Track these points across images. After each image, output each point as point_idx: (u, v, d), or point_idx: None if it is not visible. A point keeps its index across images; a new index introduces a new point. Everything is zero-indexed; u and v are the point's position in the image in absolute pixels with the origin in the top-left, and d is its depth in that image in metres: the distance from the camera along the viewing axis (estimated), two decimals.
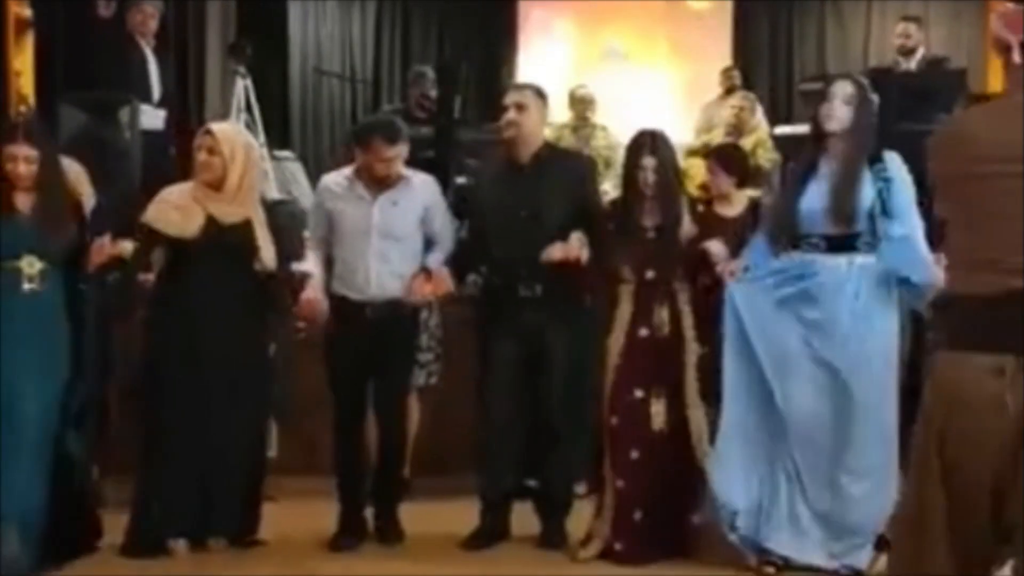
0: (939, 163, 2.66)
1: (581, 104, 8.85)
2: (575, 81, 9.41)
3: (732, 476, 4.53)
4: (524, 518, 5.04)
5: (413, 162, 5.63)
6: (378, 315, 4.91)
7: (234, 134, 5.08)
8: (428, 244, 5.06)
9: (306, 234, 5.34)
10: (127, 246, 4.74)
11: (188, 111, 8.81)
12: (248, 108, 7.91)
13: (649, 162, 4.76)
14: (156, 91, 7.69)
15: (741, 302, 4.54)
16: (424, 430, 5.64)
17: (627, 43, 11.40)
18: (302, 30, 10.74)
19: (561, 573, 4.70)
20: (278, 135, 9.20)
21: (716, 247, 4.71)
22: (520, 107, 4.91)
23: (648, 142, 4.82)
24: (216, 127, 5.04)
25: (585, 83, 9.25)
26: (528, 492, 5.18)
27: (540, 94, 5.04)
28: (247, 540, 4.91)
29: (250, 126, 7.84)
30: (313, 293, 4.94)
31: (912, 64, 7.97)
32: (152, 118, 7.43)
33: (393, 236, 4.94)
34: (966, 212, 2.57)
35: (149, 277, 5.03)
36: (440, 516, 5.20)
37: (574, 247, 4.72)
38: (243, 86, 7.94)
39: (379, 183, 4.96)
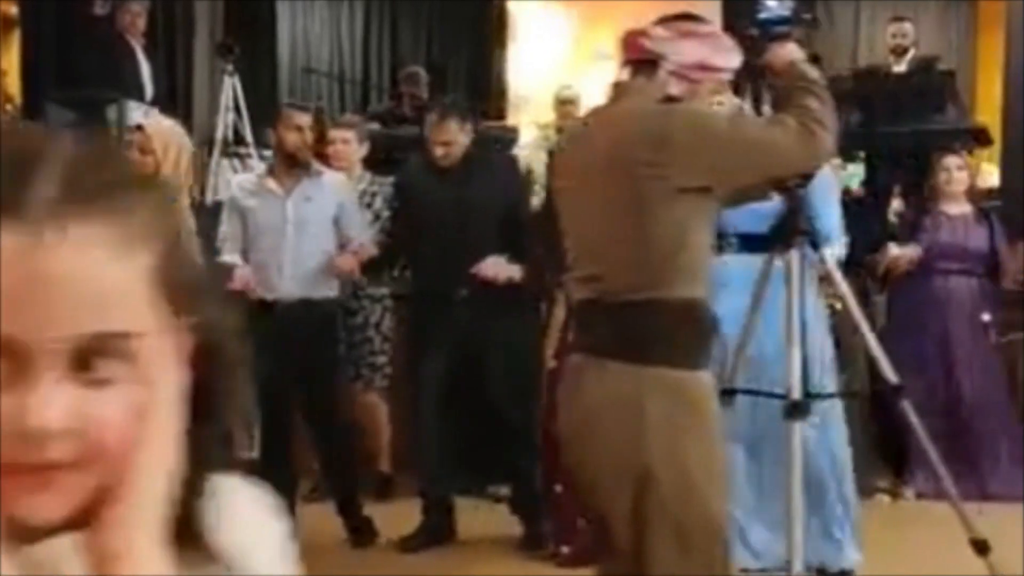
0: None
1: (566, 105, 8.82)
2: (564, 81, 9.38)
3: None
4: (506, 519, 5.03)
5: (402, 162, 5.59)
6: (288, 313, 4.77)
7: (169, 132, 4.76)
8: (343, 247, 4.94)
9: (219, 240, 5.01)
10: None
11: (176, 110, 8.78)
12: (236, 107, 7.89)
13: None
14: (149, 89, 7.67)
15: None
16: (403, 426, 5.59)
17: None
18: (291, 29, 10.72)
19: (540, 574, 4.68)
20: (266, 134, 9.17)
21: None
22: (447, 144, 4.87)
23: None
24: (148, 123, 4.82)
25: (574, 84, 9.22)
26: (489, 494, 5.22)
27: (462, 114, 4.95)
28: None
29: (238, 125, 7.82)
30: (244, 269, 4.75)
31: (903, 65, 7.96)
32: (144, 116, 7.39)
33: (308, 232, 4.85)
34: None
35: None
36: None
37: (504, 268, 4.72)
38: (231, 85, 7.92)
39: (291, 170, 4.89)
